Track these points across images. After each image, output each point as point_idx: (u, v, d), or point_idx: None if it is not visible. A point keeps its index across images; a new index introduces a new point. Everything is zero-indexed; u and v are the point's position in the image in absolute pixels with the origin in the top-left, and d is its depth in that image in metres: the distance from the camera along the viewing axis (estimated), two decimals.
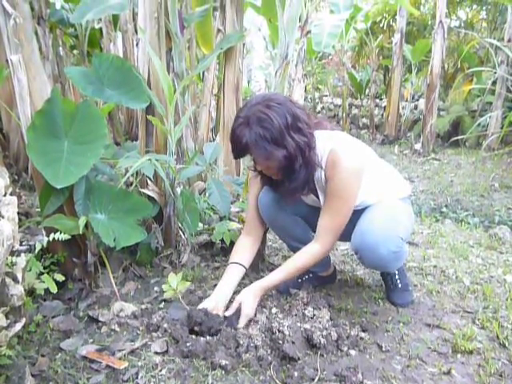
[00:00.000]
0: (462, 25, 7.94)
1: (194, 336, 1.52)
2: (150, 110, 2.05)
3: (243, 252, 1.75)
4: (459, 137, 5.91)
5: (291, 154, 1.46)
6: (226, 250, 2.24)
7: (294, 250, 1.92)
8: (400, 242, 1.56)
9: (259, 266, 2.14)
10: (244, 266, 1.72)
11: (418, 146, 6.33)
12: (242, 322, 1.54)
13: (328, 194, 1.57)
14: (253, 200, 1.80)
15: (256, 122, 1.42)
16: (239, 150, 1.49)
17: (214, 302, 1.60)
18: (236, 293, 1.66)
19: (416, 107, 7.79)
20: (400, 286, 1.82)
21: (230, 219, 2.35)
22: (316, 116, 1.63)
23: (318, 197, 1.67)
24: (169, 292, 1.70)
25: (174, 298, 1.73)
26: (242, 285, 1.88)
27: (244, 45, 3.26)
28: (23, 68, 1.63)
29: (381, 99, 8.72)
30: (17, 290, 1.19)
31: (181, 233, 2.16)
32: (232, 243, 2.18)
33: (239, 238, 1.83)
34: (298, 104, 1.54)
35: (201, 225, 2.37)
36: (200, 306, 1.58)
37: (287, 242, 1.93)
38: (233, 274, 1.70)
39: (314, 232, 1.76)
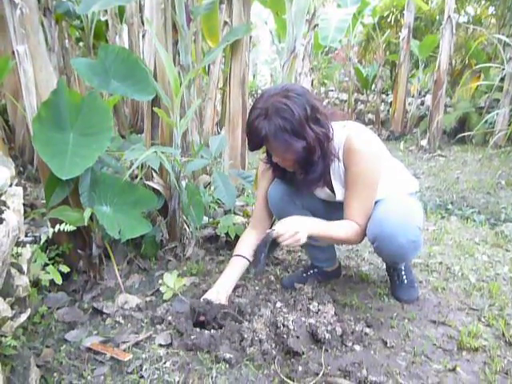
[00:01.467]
0: (471, 20, 7.85)
1: (198, 329, 1.52)
2: (155, 102, 2.05)
3: (248, 245, 1.74)
4: (466, 133, 5.86)
5: (310, 145, 1.44)
6: (231, 243, 2.23)
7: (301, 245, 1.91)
8: (418, 231, 1.56)
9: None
10: (248, 259, 1.71)
11: (423, 143, 6.28)
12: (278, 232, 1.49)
13: (350, 182, 1.55)
14: (262, 193, 1.79)
15: (275, 112, 1.39)
16: (257, 142, 1.47)
17: (216, 293, 1.60)
18: (238, 287, 1.66)
19: (422, 103, 7.72)
20: (406, 282, 1.81)
21: (234, 213, 2.35)
22: (330, 107, 1.61)
23: (332, 190, 1.65)
24: (168, 293, 1.71)
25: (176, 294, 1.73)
26: (245, 278, 1.89)
27: (250, 38, 3.23)
28: (29, 59, 1.62)
29: (387, 95, 8.66)
30: (22, 281, 1.19)
31: (185, 226, 2.15)
32: (237, 237, 2.18)
33: (245, 230, 1.83)
34: (315, 95, 1.52)
35: (205, 218, 2.37)
36: (202, 298, 1.58)
37: None
38: (235, 266, 1.70)
39: None
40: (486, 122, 5.65)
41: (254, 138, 1.46)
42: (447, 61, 5.99)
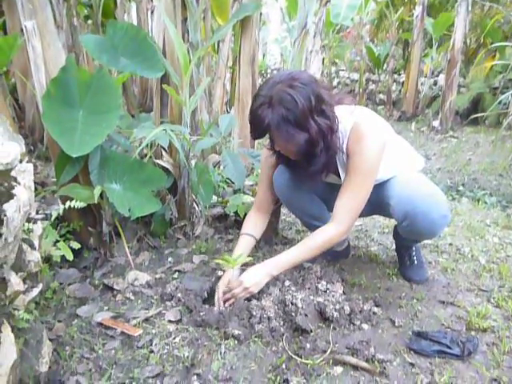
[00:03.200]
0: None
1: (207, 306, 1.53)
2: (164, 79, 2.03)
3: (254, 224, 1.75)
4: (479, 114, 5.76)
5: (313, 138, 1.40)
6: (240, 222, 2.23)
7: (310, 227, 1.92)
8: (448, 206, 1.54)
9: (273, 239, 2.14)
10: (255, 237, 1.72)
11: (435, 124, 6.20)
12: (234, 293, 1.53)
13: (350, 170, 1.52)
14: (265, 178, 1.77)
15: (279, 102, 1.35)
16: (260, 131, 1.43)
17: (231, 272, 1.61)
18: (247, 264, 1.66)
19: (435, 83, 7.58)
20: (416, 262, 1.81)
21: (244, 192, 2.34)
22: (338, 92, 1.55)
23: (338, 175, 1.62)
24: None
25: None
26: (255, 258, 1.89)
27: (261, 15, 3.17)
28: (38, 35, 1.61)
29: (399, 74, 8.51)
30: (33, 257, 1.20)
31: (195, 205, 2.16)
32: (246, 216, 2.18)
33: (249, 212, 1.82)
34: (322, 83, 1.47)
35: (214, 197, 2.37)
36: (220, 283, 1.61)
37: (303, 219, 1.91)
38: (245, 245, 1.71)
39: (330, 211, 1.74)
40: (499, 102, 5.52)
41: (257, 127, 1.42)
42: (462, 39, 5.85)
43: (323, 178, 1.64)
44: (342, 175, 1.60)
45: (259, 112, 1.38)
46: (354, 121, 1.49)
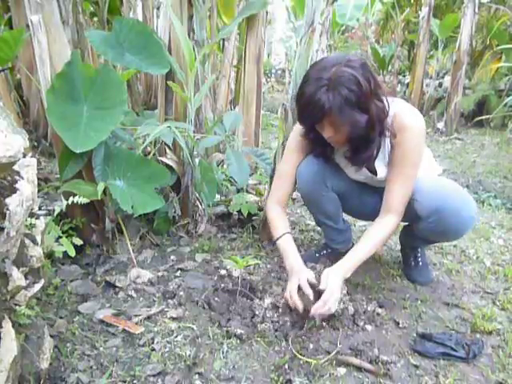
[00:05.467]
0: None
1: (209, 305, 1.52)
2: (169, 77, 2.02)
3: (284, 221, 1.67)
4: (484, 117, 5.72)
5: (373, 120, 1.35)
6: (243, 221, 2.23)
7: (319, 223, 1.91)
8: (476, 208, 1.51)
9: None
10: (291, 234, 1.66)
11: (440, 125, 6.16)
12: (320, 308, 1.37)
13: (396, 160, 1.47)
14: (290, 167, 1.68)
15: (340, 83, 1.27)
16: (317, 116, 1.34)
17: (307, 272, 1.49)
18: (250, 264, 1.64)
19: (440, 85, 7.54)
20: (421, 264, 1.80)
21: (247, 191, 2.33)
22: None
23: (370, 170, 1.59)
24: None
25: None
26: (257, 256, 1.87)
27: (267, 13, 3.16)
28: (43, 29, 1.60)
29: (404, 76, 8.48)
30: (36, 252, 1.19)
31: (198, 203, 2.15)
32: (249, 215, 2.17)
33: (271, 207, 1.70)
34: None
35: (218, 196, 2.36)
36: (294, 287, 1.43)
37: (315, 215, 1.87)
38: (293, 243, 1.61)
39: (345, 211, 1.77)
40: (505, 105, 5.49)
41: (314, 112, 1.33)
42: (468, 41, 5.81)
43: (353, 174, 1.62)
44: (379, 167, 1.55)
45: (318, 96, 1.29)
46: (395, 110, 1.45)
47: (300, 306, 1.38)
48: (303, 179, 1.67)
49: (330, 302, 1.35)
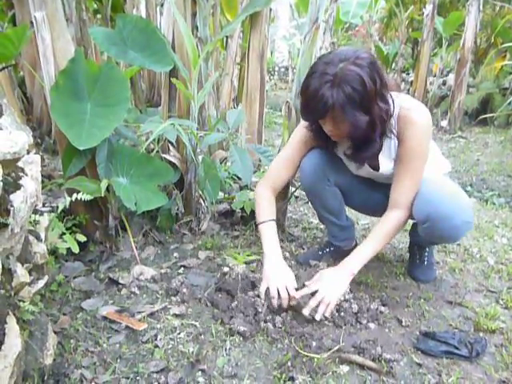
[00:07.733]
0: None
1: (212, 303, 1.53)
2: (173, 74, 2.01)
3: (272, 207, 1.67)
4: (488, 115, 5.71)
5: (374, 121, 1.35)
6: (246, 218, 2.23)
7: (322, 219, 1.91)
8: (471, 212, 1.49)
9: (279, 236, 2.12)
10: (276, 221, 1.66)
11: (444, 123, 6.15)
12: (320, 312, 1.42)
13: (403, 156, 1.47)
14: (289, 155, 1.67)
15: (345, 81, 1.26)
16: (320, 111, 1.33)
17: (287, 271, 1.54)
18: (252, 262, 1.64)
19: (444, 83, 7.52)
20: (426, 262, 1.79)
21: (250, 189, 2.33)
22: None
23: (373, 167, 1.58)
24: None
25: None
26: (260, 253, 1.87)
27: (270, 10, 3.15)
28: (47, 26, 1.60)
29: (408, 74, 8.46)
30: (39, 248, 1.20)
31: (201, 200, 2.15)
32: (252, 212, 2.17)
33: (263, 190, 1.69)
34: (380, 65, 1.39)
35: (221, 193, 2.36)
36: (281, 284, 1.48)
37: (318, 210, 1.86)
38: (274, 232, 1.62)
39: (348, 205, 1.77)
40: (509, 103, 5.49)
41: (318, 107, 1.31)
42: (472, 39, 5.80)
43: (355, 170, 1.62)
44: (382, 163, 1.55)
45: (322, 91, 1.28)
46: (400, 105, 1.44)
47: (274, 302, 1.44)
48: (306, 172, 1.68)
49: (325, 302, 1.40)
